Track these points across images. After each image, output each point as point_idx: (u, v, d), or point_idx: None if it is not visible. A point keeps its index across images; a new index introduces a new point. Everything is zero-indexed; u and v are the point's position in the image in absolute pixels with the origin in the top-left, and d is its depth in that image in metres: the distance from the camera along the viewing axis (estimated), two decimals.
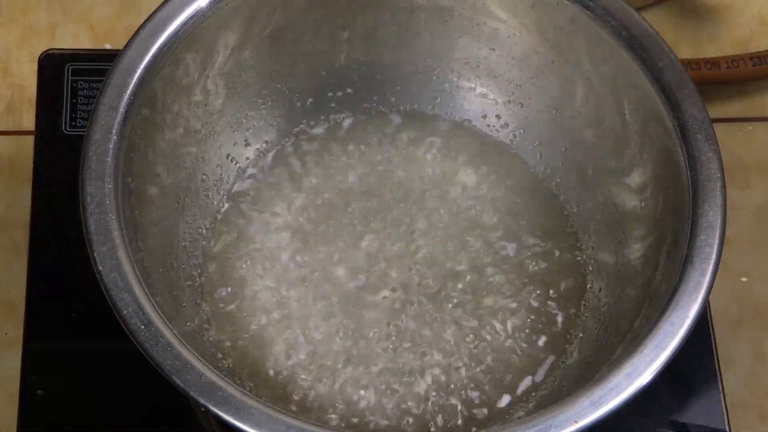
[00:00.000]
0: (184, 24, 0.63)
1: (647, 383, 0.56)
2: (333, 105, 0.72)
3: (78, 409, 0.67)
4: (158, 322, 0.56)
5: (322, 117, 0.72)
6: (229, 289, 0.68)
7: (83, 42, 0.78)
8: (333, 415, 0.65)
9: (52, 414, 0.67)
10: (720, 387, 0.68)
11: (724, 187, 0.60)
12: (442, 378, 0.66)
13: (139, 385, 0.67)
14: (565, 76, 0.68)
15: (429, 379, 0.66)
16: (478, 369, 0.66)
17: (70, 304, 0.68)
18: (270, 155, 0.71)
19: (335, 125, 0.72)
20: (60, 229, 0.70)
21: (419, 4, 0.68)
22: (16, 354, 0.68)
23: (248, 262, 0.68)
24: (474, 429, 0.64)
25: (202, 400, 0.54)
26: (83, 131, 0.61)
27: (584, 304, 0.68)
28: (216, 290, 0.67)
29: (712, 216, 0.59)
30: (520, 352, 0.67)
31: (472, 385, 0.66)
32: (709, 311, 0.70)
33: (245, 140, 0.70)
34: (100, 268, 0.57)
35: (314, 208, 0.70)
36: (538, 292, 0.68)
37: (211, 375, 0.55)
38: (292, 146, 0.72)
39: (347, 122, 0.72)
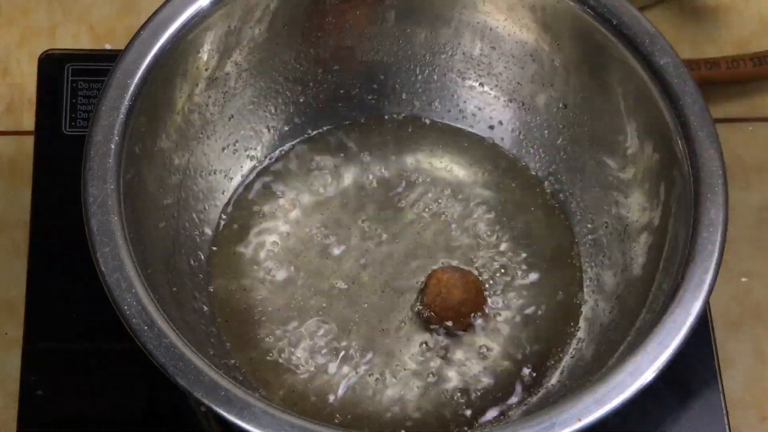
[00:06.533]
0: (185, 24, 0.63)
1: (650, 381, 0.56)
2: (332, 106, 0.72)
3: (78, 409, 0.67)
4: (161, 323, 0.56)
5: (322, 117, 0.72)
6: (232, 288, 0.68)
7: (83, 42, 0.78)
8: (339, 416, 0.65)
9: (52, 414, 0.66)
10: (720, 387, 0.68)
11: (726, 183, 0.60)
12: (442, 373, 0.66)
13: (139, 385, 0.66)
14: (566, 74, 0.68)
15: (431, 373, 0.66)
16: (480, 365, 0.66)
17: (70, 304, 0.68)
18: (271, 157, 0.71)
19: (334, 126, 0.72)
20: (60, 229, 0.69)
21: (420, 3, 0.68)
22: (16, 354, 0.67)
23: (252, 262, 0.68)
24: (477, 426, 0.64)
25: (205, 401, 0.54)
26: (83, 131, 0.62)
27: (585, 303, 0.68)
28: (219, 289, 0.67)
29: (714, 213, 0.59)
30: (520, 350, 0.67)
31: (473, 382, 0.66)
32: (709, 311, 0.70)
33: (246, 141, 0.70)
34: (103, 269, 0.57)
35: (317, 210, 0.70)
36: (539, 290, 0.68)
37: (214, 375, 0.55)
38: (291, 148, 0.71)
39: (346, 123, 0.72)
